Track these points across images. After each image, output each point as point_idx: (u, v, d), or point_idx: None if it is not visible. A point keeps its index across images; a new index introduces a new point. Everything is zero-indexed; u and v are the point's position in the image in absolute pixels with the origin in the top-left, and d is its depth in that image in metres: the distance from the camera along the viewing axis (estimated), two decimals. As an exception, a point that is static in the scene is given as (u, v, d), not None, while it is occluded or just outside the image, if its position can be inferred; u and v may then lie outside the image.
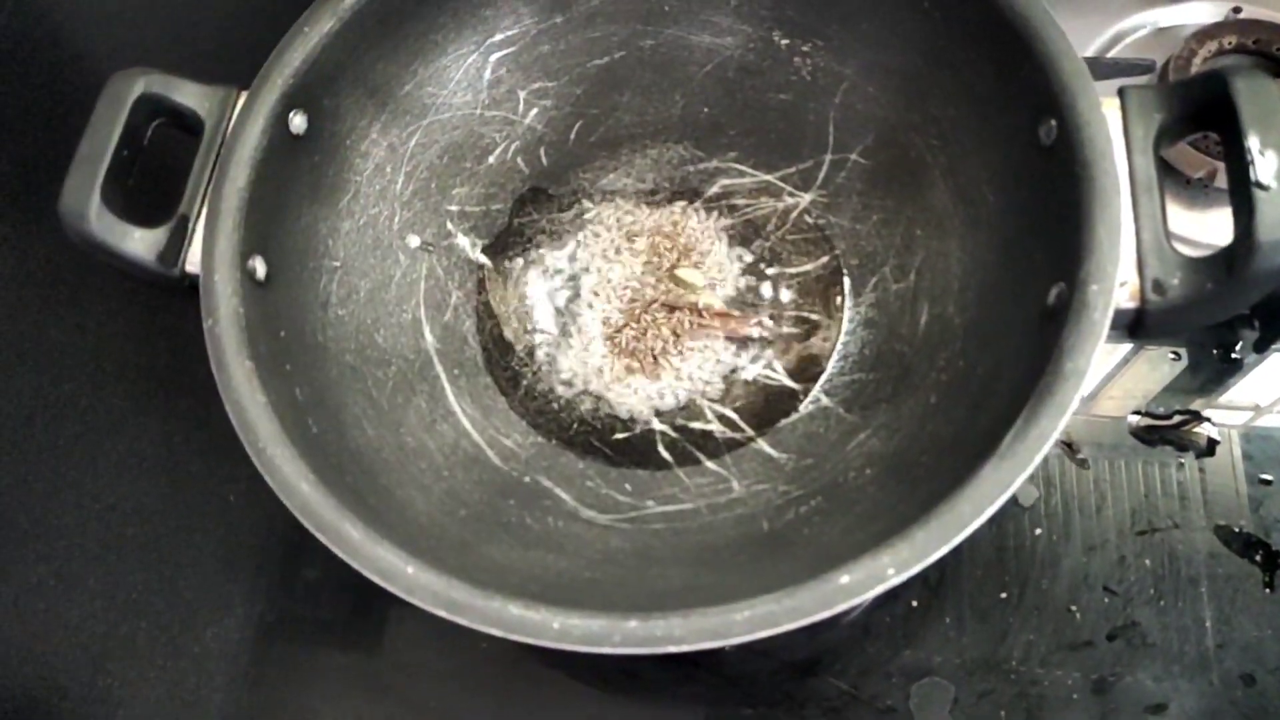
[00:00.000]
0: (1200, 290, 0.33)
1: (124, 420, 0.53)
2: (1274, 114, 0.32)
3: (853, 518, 0.37)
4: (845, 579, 0.30)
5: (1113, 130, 0.35)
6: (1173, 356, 0.49)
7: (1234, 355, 0.48)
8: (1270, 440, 0.47)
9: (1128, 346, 0.50)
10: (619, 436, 0.45)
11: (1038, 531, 0.46)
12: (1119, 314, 0.34)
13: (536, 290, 0.49)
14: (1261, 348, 0.48)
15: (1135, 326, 0.35)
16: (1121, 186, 0.34)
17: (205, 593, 0.48)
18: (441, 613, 0.31)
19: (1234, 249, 0.32)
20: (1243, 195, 0.32)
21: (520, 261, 0.50)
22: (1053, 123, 0.36)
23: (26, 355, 0.55)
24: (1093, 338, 0.32)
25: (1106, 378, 0.49)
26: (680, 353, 0.46)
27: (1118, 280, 0.32)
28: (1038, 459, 0.31)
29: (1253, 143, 0.32)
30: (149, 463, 0.52)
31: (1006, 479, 0.31)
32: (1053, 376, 0.32)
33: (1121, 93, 0.36)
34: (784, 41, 0.48)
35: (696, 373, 0.46)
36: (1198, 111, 0.34)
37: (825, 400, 0.44)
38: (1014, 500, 0.46)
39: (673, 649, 0.30)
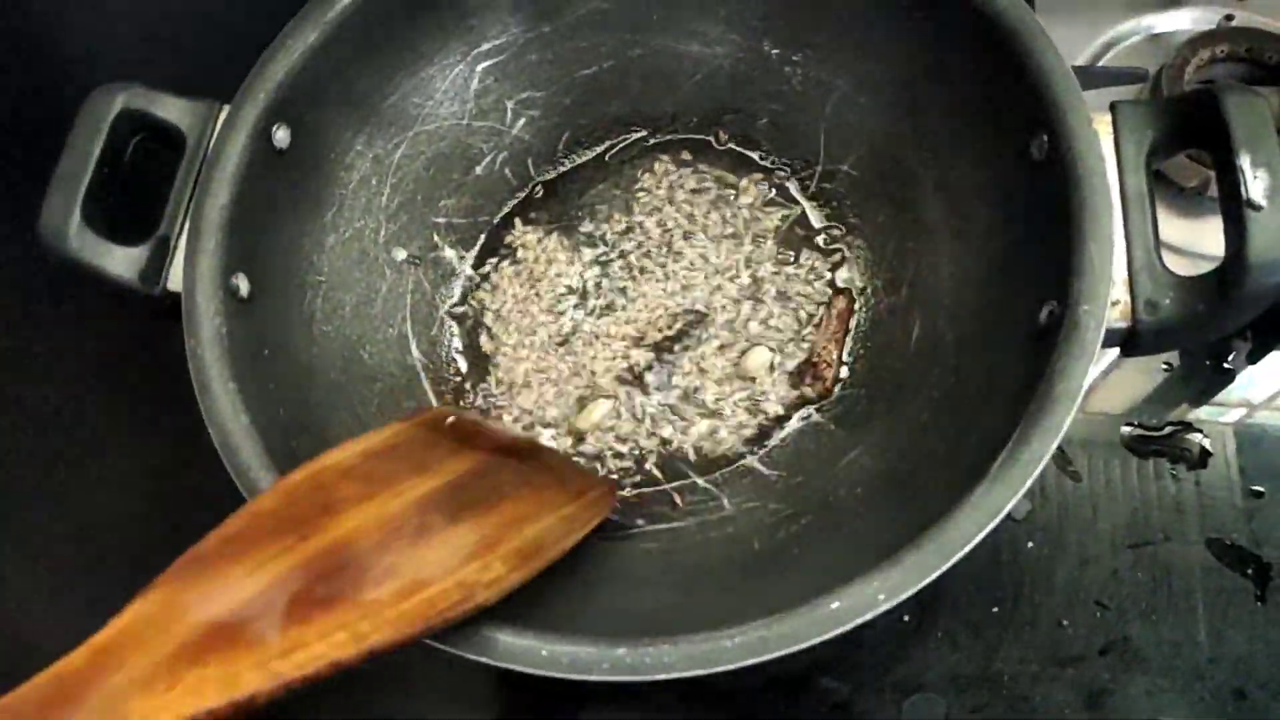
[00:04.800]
0: (1192, 310, 0.33)
1: (109, 434, 0.52)
2: (1266, 133, 0.31)
3: (843, 538, 0.37)
4: (835, 605, 0.30)
5: (1104, 146, 0.34)
6: (1164, 367, 0.49)
7: (1226, 366, 0.48)
8: (1262, 450, 0.47)
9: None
10: (610, 452, 0.45)
11: (1030, 544, 0.45)
12: (1110, 333, 0.33)
13: (525, 304, 0.48)
14: (1255, 359, 0.48)
15: (1127, 345, 0.35)
16: (1113, 204, 0.34)
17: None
18: (427, 640, 0.31)
19: (1226, 269, 0.32)
20: (1235, 215, 0.31)
21: (509, 275, 0.49)
22: (1044, 137, 0.36)
23: (10, 368, 0.54)
24: (1084, 358, 0.32)
25: (1098, 387, 0.49)
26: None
27: (1109, 300, 0.32)
28: (1029, 482, 0.31)
29: (1244, 162, 0.31)
30: (134, 477, 0.51)
31: (998, 503, 0.31)
32: (1044, 398, 0.32)
33: (1113, 108, 0.35)
34: (774, 51, 0.48)
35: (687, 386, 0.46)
36: (1190, 129, 0.34)
37: (817, 416, 0.44)
38: (1006, 513, 0.46)
39: (662, 677, 0.30)
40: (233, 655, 0.26)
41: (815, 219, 0.48)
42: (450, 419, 0.38)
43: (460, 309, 0.49)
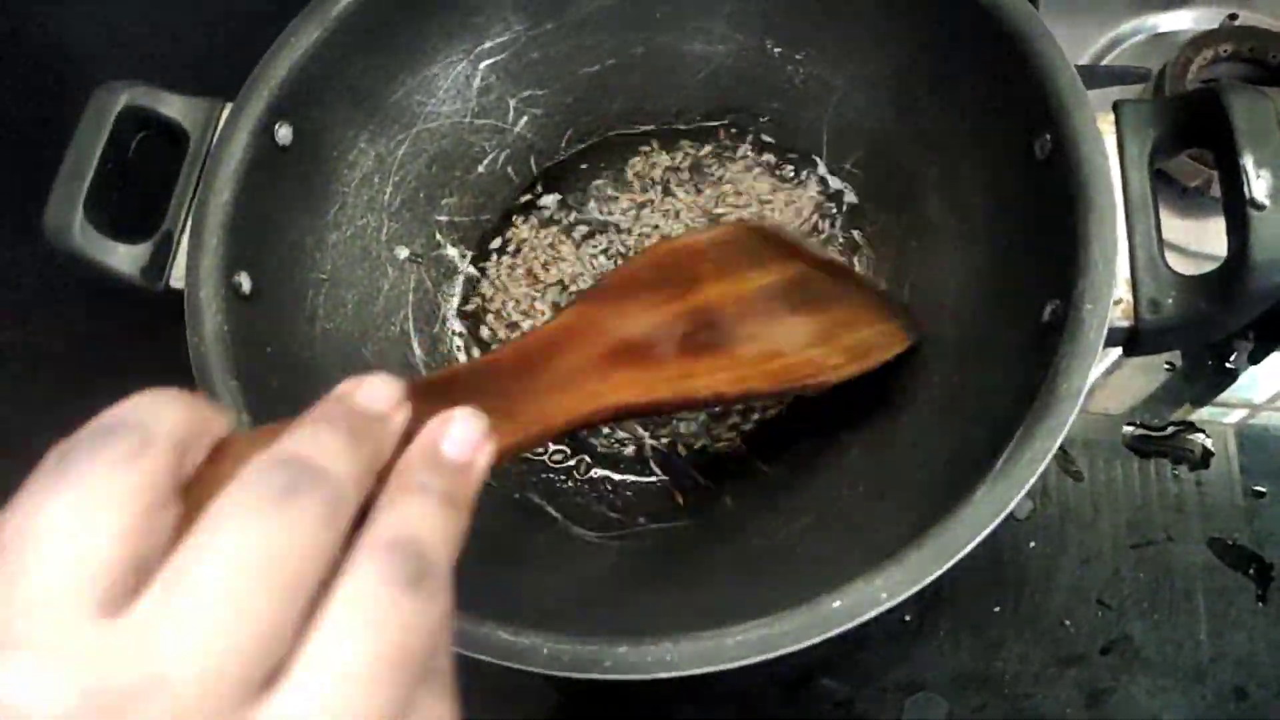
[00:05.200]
0: (1195, 309, 0.33)
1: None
2: (1269, 132, 0.31)
3: (845, 536, 0.37)
4: (837, 603, 0.30)
5: (1107, 145, 0.34)
6: (1167, 367, 0.49)
7: (1228, 366, 0.48)
8: (1264, 449, 0.47)
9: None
10: (610, 452, 0.45)
11: (1032, 544, 0.45)
12: (1113, 331, 0.33)
13: (527, 303, 0.48)
14: (1257, 359, 0.48)
15: (1130, 344, 0.35)
16: (1116, 203, 0.33)
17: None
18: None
19: (1229, 268, 0.32)
20: (1237, 214, 0.31)
21: (510, 273, 0.49)
22: (1047, 137, 0.36)
23: (12, 364, 0.54)
24: (1087, 357, 0.32)
25: (1101, 387, 0.49)
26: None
27: (1112, 299, 0.32)
28: (1032, 480, 0.31)
29: (1248, 161, 0.31)
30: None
31: (1001, 501, 0.31)
32: (1048, 396, 0.32)
33: (1116, 107, 0.35)
34: (776, 50, 0.48)
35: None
36: (1193, 128, 0.34)
37: (819, 415, 0.44)
38: (1008, 512, 0.46)
39: (663, 675, 0.30)
40: (646, 367, 0.32)
41: (819, 214, 0.48)
42: (776, 231, 0.44)
43: (462, 307, 0.49)
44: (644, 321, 0.34)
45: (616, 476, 0.44)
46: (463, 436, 0.21)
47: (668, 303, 0.35)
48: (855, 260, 0.47)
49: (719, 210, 0.49)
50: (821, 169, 0.48)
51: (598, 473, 0.44)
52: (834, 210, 0.48)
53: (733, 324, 0.37)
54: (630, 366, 0.32)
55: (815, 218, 0.48)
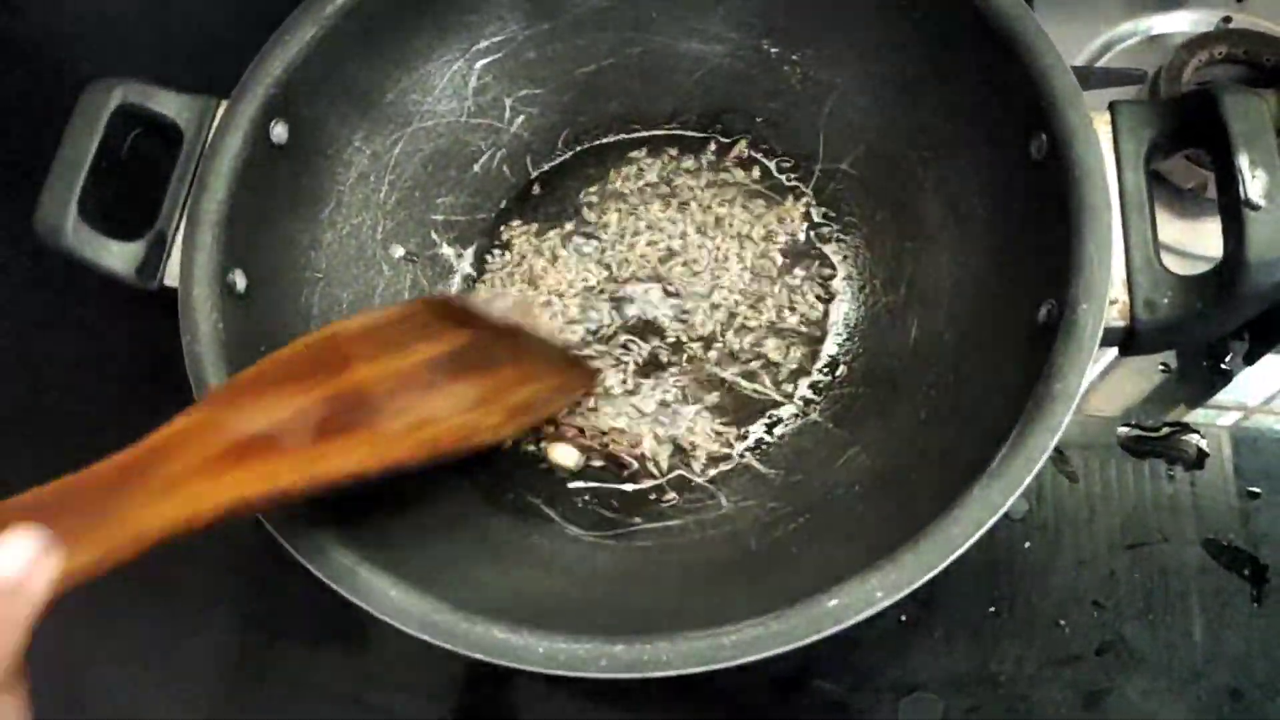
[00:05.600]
0: (1191, 309, 0.33)
1: (108, 429, 0.52)
2: (1264, 133, 0.31)
3: (841, 536, 0.37)
4: (833, 603, 0.30)
5: (1103, 146, 0.34)
6: (1162, 368, 0.49)
7: (1223, 366, 0.48)
8: (1259, 451, 0.47)
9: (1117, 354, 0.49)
10: (607, 451, 0.45)
11: (1027, 544, 0.45)
12: (1109, 331, 0.33)
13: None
14: (1252, 360, 0.48)
15: (1125, 344, 0.35)
16: (1112, 203, 0.34)
17: (189, 604, 0.48)
18: (424, 636, 0.31)
19: (1224, 268, 0.32)
20: (1233, 214, 0.31)
21: (509, 276, 0.49)
22: (1043, 137, 0.36)
23: (8, 363, 0.54)
24: (1082, 357, 0.32)
25: (1096, 388, 0.49)
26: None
27: (1108, 299, 0.32)
28: (1027, 480, 0.31)
29: (1243, 161, 0.31)
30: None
31: (996, 501, 0.31)
32: (1042, 396, 0.32)
33: (1112, 108, 0.35)
34: (773, 50, 0.48)
35: (686, 385, 0.46)
36: (1188, 128, 0.34)
37: (814, 415, 0.44)
38: (1004, 512, 0.46)
39: (659, 674, 0.30)
40: (271, 458, 0.30)
41: (814, 217, 0.48)
42: (450, 301, 0.43)
43: (458, 306, 0.49)
44: (275, 413, 0.31)
45: (613, 476, 0.44)
46: (10, 557, 0.22)
47: (310, 389, 0.33)
48: (850, 260, 0.47)
49: (703, 222, 0.49)
50: (815, 172, 0.48)
51: (594, 472, 0.44)
52: (825, 217, 0.48)
53: (382, 400, 0.34)
54: (250, 462, 0.29)
55: (803, 227, 0.48)
